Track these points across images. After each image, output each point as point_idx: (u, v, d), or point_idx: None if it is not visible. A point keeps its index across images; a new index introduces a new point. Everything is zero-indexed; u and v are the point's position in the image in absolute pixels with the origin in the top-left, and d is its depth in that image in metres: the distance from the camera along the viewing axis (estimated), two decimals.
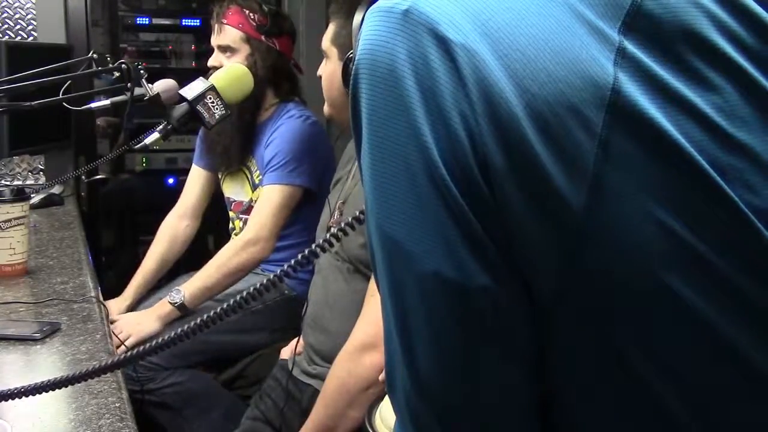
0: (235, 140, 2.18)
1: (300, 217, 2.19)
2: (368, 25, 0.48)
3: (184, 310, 1.99)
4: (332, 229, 0.59)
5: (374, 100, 0.47)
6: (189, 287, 2.02)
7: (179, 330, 0.63)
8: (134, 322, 2.00)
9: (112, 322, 2.14)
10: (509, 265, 0.45)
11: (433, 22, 0.45)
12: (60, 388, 0.67)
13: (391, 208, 0.47)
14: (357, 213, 0.57)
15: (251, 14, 2.14)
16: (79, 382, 0.68)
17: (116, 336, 1.97)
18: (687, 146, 0.43)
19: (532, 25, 0.44)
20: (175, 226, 2.35)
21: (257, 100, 2.14)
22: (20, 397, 0.67)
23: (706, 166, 0.43)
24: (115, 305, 2.16)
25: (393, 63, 0.46)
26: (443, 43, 0.44)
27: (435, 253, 0.46)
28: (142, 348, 0.64)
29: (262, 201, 2.12)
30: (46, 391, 0.67)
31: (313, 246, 0.58)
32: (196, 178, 2.38)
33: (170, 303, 2.00)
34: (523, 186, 0.43)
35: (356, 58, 0.48)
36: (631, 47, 0.44)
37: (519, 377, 0.49)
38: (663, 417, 0.46)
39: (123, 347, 1.92)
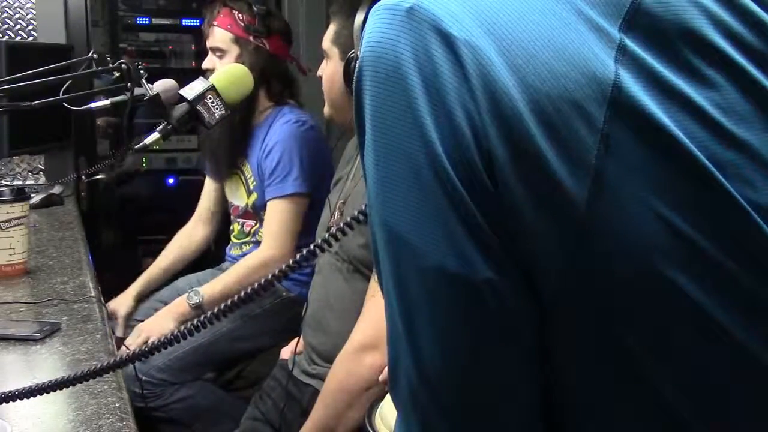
0: (226, 143, 2.20)
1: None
2: (372, 23, 0.48)
3: (200, 312, 2.00)
4: (331, 229, 0.59)
5: (378, 96, 0.47)
6: (209, 291, 2.05)
7: (175, 331, 0.63)
8: (153, 323, 2.03)
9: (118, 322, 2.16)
10: (513, 261, 0.46)
11: (437, 18, 0.45)
12: (60, 389, 0.67)
13: (395, 202, 0.47)
14: (356, 212, 0.57)
15: (240, 15, 2.15)
16: (79, 383, 0.68)
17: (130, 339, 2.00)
18: (687, 142, 0.43)
19: (535, 22, 0.45)
20: (189, 231, 2.43)
21: (249, 102, 2.14)
22: (20, 399, 0.67)
23: (706, 161, 0.43)
24: (122, 301, 2.18)
25: (397, 59, 0.46)
26: (447, 39, 0.45)
27: (439, 247, 0.46)
28: (139, 349, 0.64)
29: (272, 216, 2.14)
30: (47, 393, 0.67)
31: (312, 246, 0.58)
32: (208, 187, 2.45)
33: (188, 303, 2.02)
34: (526, 181, 0.44)
35: (360, 56, 0.48)
36: (631, 44, 0.44)
37: (524, 374, 0.49)
38: (665, 415, 0.47)
39: (124, 348, 1.92)
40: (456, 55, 0.45)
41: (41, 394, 0.68)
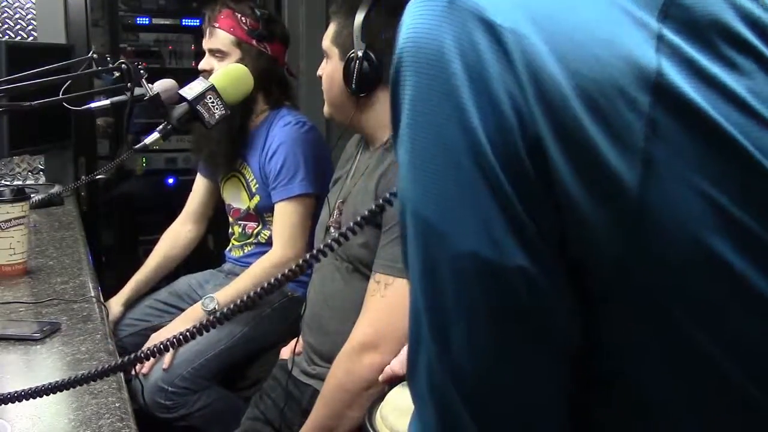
0: (223, 145, 2.19)
1: None
2: (411, 15, 0.49)
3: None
4: (332, 232, 0.60)
5: (419, 85, 0.47)
6: (223, 297, 2.05)
7: (181, 332, 0.63)
8: (167, 331, 2.04)
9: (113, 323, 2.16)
10: (554, 252, 0.46)
11: (480, 8, 0.46)
12: (60, 391, 0.67)
13: (430, 190, 0.47)
14: (358, 218, 0.57)
15: (243, 18, 2.13)
16: (80, 385, 0.68)
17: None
18: (727, 126, 0.44)
19: (578, 14, 0.46)
20: (178, 230, 2.42)
21: (247, 105, 2.14)
22: (20, 401, 0.67)
23: (749, 144, 0.44)
24: (112, 305, 2.18)
25: (439, 49, 0.47)
26: (491, 28, 0.45)
27: (473, 234, 0.46)
28: (140, 352, 0.64)
29: (281, 219, 2.14)
30: (47, 395, 0.67)
31: (322, 246, 0.58)
32: (199, 186, 2.44)
33: (204, 310, 2.03)
34: (576, 165, 0.44)
35: (398, 48, 0.49)
36: (669, 34, 0.45)
37: (552, 368, 0.49)
38: (735, 398, 0.46)
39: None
40: (500, 43, 0.45)
41: (39, 397, 0.68)
